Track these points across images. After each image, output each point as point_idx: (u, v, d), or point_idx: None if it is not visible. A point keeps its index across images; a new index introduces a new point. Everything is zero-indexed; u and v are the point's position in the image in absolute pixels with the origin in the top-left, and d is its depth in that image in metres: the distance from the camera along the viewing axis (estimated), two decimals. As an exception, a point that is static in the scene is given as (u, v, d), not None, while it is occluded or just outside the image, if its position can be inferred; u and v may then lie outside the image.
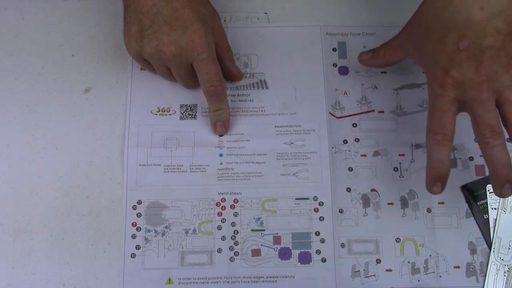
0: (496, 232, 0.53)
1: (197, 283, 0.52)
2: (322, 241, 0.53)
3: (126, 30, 0.52)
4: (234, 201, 0.54)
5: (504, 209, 0.54)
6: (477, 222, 0.54)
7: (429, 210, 0.54)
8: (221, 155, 0.55)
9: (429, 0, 0.47)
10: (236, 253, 0.53)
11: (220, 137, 0.56)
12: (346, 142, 0.56)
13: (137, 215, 0.53)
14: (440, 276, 0.52)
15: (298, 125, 0.56)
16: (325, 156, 0.55)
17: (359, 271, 0.52)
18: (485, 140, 0.45)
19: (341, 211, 0.54)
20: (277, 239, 0.53)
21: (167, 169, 0.55)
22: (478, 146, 0.47)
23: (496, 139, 0.45)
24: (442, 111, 0.46)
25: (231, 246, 0.53)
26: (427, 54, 0.47)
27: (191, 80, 0.54)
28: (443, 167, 0.47)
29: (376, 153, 0.56)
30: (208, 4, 0.53)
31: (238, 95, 0.57)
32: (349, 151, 0.56)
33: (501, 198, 0.54)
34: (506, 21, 0.44)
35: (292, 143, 0.56)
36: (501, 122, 0.46)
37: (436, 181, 0.48)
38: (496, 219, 0.53)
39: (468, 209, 0.54)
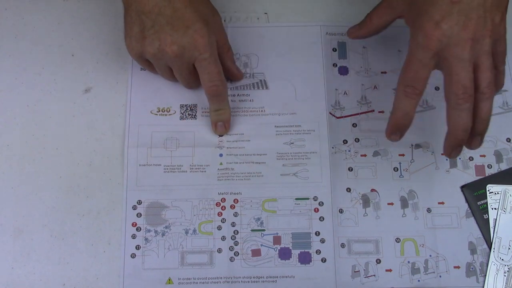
0: (496, 232, 0.53)
1: (197, 283, 0.52)
2: (322, 241, 0.53)
3: (127, 30, 0.51)
4: (234, 201, 0.54)
5: (504, 209, 0.54)
6: (477, 222, 0.54)
7: (429, 210, 0.54)
8: (221, 155, 0.55)
9: None
10: (236, 253, 0.53)
11: (220, 137, 0.56)
12: (346, 142, 0.56)
13: (137, 215, 0.53)
14: (440, 276, 0.52)
15: (298, 125, 0.56)
16: (325, 156, 0.55)
17: (359, 271, 0.52)
18: (457, 101, 0.45)
19: (341, 211, 0.54)
20: (277, 239, 0.53)
21: (167, 169, 0.55)
22: (446, 106, 0.46)
23: (467, 101, 0.45)
24: (420, 64, 0.46)
25: (231, 246, 0.53)
26: (417, 6, 0.47)
27: (192, 80, 0.54)
28: (407, 118, 0.47)
29: (376, 153, 0.56)
30: (209, 3, 0.53)
31: (238, 95, 0.57)
32: (349, 151, 0.56)
33: (500, 198, 0.54)
34: None
35: (292, 143, 0.56)
36: (473, 86, 0.45)
37: (397, 130, 0.48)
38: (496, 219, 0.54)
39: (468, 209, 0.54)
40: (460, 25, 0.45)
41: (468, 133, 0.47)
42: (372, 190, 0.55)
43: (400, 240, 0.53)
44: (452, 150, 0.48)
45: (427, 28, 0.45)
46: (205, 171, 0.55)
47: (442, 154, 0.54)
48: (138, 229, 0.53)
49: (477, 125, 0.47)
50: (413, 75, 0.46)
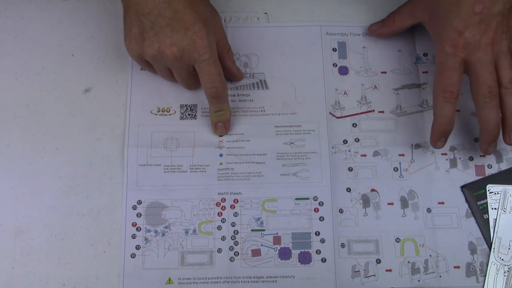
0: (496, 232, 0.53)
1: (197, 283, 0.52)
2: (322, 241, 0.53)
3: (127, 32, 0.51)
4: (234, 201, 0.54)
5: (504, 209, 0.54)
6: (477, 222, 0.54)
7: (429, 210, 0.54)
8: (221, 155, 0.55)
9: None
10: (236, 253, 0.53)
11: (220, 137, 0.56)
12: (346, 142, 0.56)
13: (137, 215, 0.53)
14: (440, 276, 0.52)
15: (298, 125, 0.56)
16: (325, 156, 0.55)
17: (359, 271, 0.52)
18: (484, 100, 0.50)
19: (341, 211, 0.54)
20: (277, 239, 0.53)
21: (167, 169, 0.55)
22: (475, 107, 0.51)
23: (494, 99, 0.50)
24: (452, 70, 0.50)
25: (231, 246, 0.53)
26: (439, 17, 0.51)
27: (192, 81, 0.54)
28: (450, 123, 0.51)
29: (376, 153, 0.56)
30: (208, 4, 0.53)
31: (238, 95, 0.57)
32: (349, 151, 0.56)
33: (500, 198, 0.54)
34: None
35: (292, 143, 0.56)
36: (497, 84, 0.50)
37: (441, 136, 0.52)
38: (496, 219, 0.54)
39: (468, 209, 0.54)
40: (481, 33, 0.49)
41: (500, 128, 0.51)
42: (372, 190, 0.55)
43: (400, 240, 0.53)
44: (488, 146, 0.52)
45: (453, 37, 0.50)
46: (205, 171, 0.55)
47: (480, 155, 0.55)
48: (138, 229, 0.53)
49: (509, 119, 0.51)
50: (448, 80, 0.50)
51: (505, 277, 0.52)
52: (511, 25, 0.51)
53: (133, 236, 0.53)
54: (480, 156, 0.55)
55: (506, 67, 0.50)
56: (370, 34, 0.59)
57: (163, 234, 0.53)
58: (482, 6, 0.49)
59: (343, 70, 0.58)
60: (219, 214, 0.54)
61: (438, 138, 0.52)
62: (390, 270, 0.53)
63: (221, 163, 0.55)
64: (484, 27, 0.49)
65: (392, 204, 0.54)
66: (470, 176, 0.55)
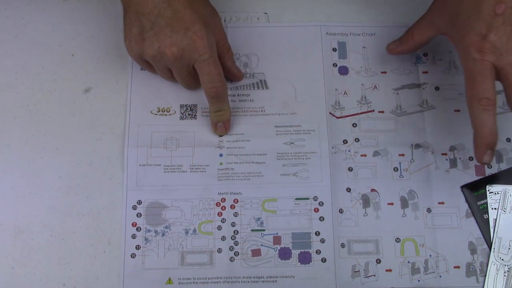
0: (496, 232, 0.53)
1: (197, 283, 0.52)
2: (322, 241, 0.53)
3: (127, 32, 0.51)
4: (234, 201, 0.54)
5: (504, 209, 0.54)
6: (477, 222, 0.54)
7: (429, 210, 0.54)
8: (221, 155, 0.55)
9: None
10: (236, 253, 0.53)
11: (220, 137, 0.56)
12: (346, 142, 0.56)
13: (137, 215, 0.53)
14: (440, 276, 0.52)
15: (298, 125, 0.56)
16: (325, 156, 0.55)
17: (359, 271, 0.52)
18: None
19: (341, 211, 0.54)
20: (277, 239, 0.53)
21: (167, 169, 0.55)
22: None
23: None
24: (484, 76, 0.47)
25: (231, 246, 0.53)
26: (460, 23, 0.48)
27: (192, 81, 0.54)
28: (492, 132, 0.47)
29: (376, 153, 0.56)
30: (208, 4, 0.53)
31: (238, 95, 0.57)
32: (349, 151, 0.56)
33: (500, 198, 0.54)
34: None
35: (292, 143, 0.56)
36: None
37: (487, 149, 0.48)
38: (496, 219, 0.54)
39: (468, 209, 0.54)
40: (508, 34, 0.46)
41: None
42: (372, 190, 0.55)
43: (400, 240, 0.53)
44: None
45: (477, 42, 0.47)
46: (205, 171, 0.55)
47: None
48: (138, 229, 0.53)
49: None
50: (481, 87, 0.47)
51: (505, 277, 0.52)
52: None
53: (133, 236, 0.53)
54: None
55: None
56: (389, 53, 0.57)
57: (163, 234, 0.53)
58: (504, 6, 0.46)
59: (343, 70, 0.58)
60: (219, 214, 0.54)
61: (484, 151, 0.48)
62: (390, 270, 0.53)
63: (221, 163, 0.55)
64: (509, 29, 0.46)
65: (392, 204, 0.54)
66: (470, 176, 0.55)
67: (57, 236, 0.53)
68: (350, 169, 0.55)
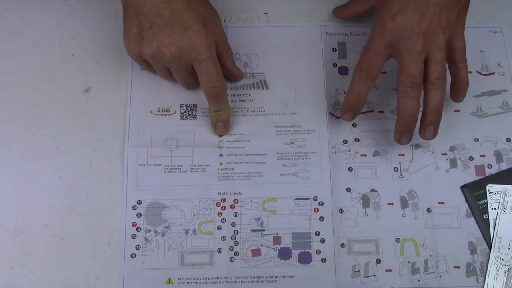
0: (496, 232, 0.53)
1: (197, 283, 0.52)
2: (322, 241, 0.53)
3: (126, 31, 0.52)
4: (234, 201, 0.54)
5: (504, 209, 0.54)
6: (477, 222, 0.54)
7: (429, 210, 0.54)
8: (221, 155, 0.55)
9: None
10: (236, 253, 0.53)
11: (220, 137, 0.56)
12: (346, 142, 0.56)
13: (137, 215, 0.53)
14: (440, 276, 0.52)
15: (298, 125, 0.56)
16: (325, 156, 0.55)
17: (359, 271, 0.52)
18: (404, 89, 0.49)
19: (341, 211, 0.54)
20: (277, 239, 0.53)
21: (167, 169, 0.55)
22: (397, 95, 0.50)
23: (414, 90, 0.49)
24: (375, 51, 0.50)
25: (231, 246, 0.53)
26: (384, 1, 0.50)
27: (191, 81, 0.54)
28: (359, 100, 0.51)
29: (376, 153, 0.56)
30: (208, 4, 0.53)
31: (238, 95, 0.57)
32: (349, 151, 0.56)
33: (500, 198, 0.54)
34: None
35: (292, 143, 0.56)
36: (422, 77, 0.49)
37: (350, 110, 0.52)
38: (496, 219, 0.54)
39: (468, 209, 0.54)
40: (415, 20, 0.48)
41: (415, 120, 0.50)
42: (372, 190, 0.55)
43: (400, 240, 0.53)
44: (401, 135, 0.52)
45: (384, 19, 0.49)
46: (205, 171, 0.55)
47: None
48: (138, 229, 0.53)
49: (429, 114, 0.50)
50: (368, 61, 0.50)
51: (505, 277, 0.52)
52: (451, 20, 0.48)
53: (133, 236, 0.53)
54: (480, 156, 0.55)
55: (436, 63, 0.49)
56: (333, 16, 0.59)
57: (163, 234, 0.53)
58: None
59: (343, 70, 0.58)
60: (219, 214, 0.54)
61: (346, 111, 0.52)
62: (390, 270, 0.53)
63: (221, 163, 0.55)
64: (418, 16, 0.47)
65: (392, 204, 0.54)
66: (470, 176, 0.55)
67: (57, 236, 0.53)
68: (350, 169, 0.55)
